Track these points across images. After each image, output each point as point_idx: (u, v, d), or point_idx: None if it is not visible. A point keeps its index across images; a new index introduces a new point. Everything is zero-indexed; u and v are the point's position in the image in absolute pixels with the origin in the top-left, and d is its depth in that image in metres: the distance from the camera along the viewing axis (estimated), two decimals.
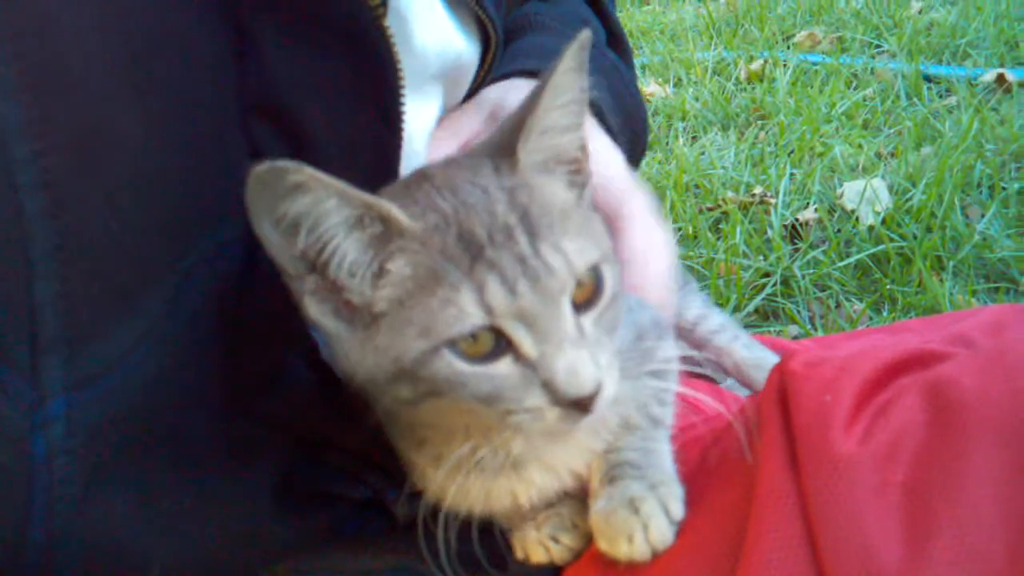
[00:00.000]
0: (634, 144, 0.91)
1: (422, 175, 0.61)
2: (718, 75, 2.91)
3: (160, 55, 0.54)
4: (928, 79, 2.55)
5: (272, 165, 0.51)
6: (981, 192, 1.96)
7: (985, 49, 2.63)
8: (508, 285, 0.54)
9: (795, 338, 1.68)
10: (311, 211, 0.54)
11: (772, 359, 1.00)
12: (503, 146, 0.60)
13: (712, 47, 3.16)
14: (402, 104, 0.64)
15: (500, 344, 0.55)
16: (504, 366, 0.55)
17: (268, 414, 0.65)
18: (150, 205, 0.53)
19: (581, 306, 0.58)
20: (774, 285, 1.80)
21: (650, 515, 0.65)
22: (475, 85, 0.84)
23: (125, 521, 0.56)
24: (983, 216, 1.85)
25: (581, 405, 0.56)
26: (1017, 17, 2.72)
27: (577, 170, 0.63)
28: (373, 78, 0.62)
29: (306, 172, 0.52)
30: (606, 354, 0.58)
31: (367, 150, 0.65)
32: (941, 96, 2.47)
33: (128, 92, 0.51)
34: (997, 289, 1.68)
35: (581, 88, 0.61)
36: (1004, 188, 1.92)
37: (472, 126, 0.80)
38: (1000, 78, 2.41)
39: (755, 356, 1.01)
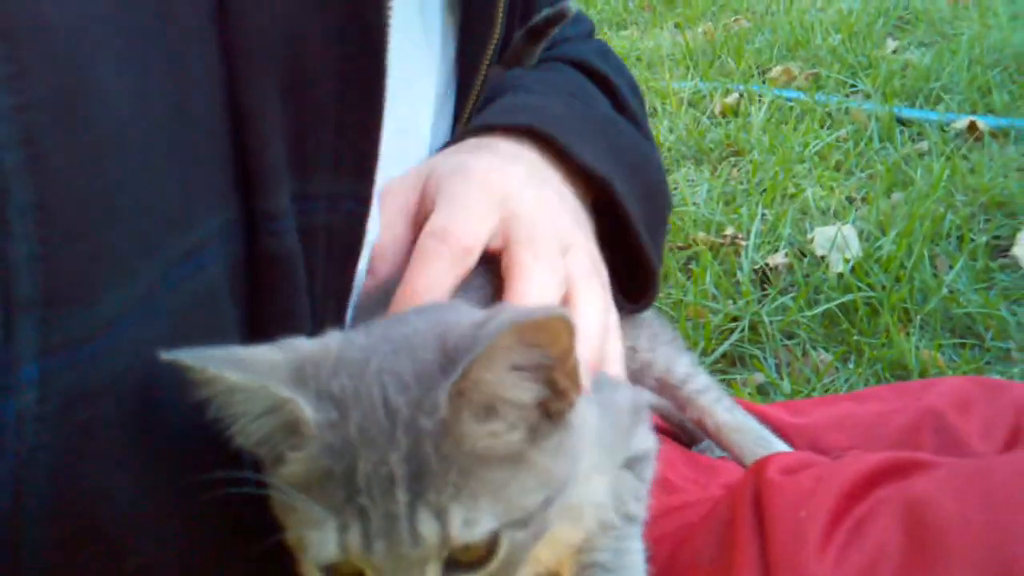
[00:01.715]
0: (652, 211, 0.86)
1: (367, 354, 0.56)
2: (693, 107, 2.91)
3: (144, 12, 0.52)
4: (901, 122, 2.57)
5: (175, 360, 0.51)
6: (950, 243, 1.97)
7: (958, 94, 2.65)
8: (367, 539, 0.52)
9: (760, 386, 1.68)
10: (219, 397, 0.54)
11: (751, 424, 1.00)
12: (454, 361, 0.54)
13: (688, 77, 3.16)
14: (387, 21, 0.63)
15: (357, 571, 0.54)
16: None
17: None
18: (141, 171, 0.52)
19: (462, 566, 0.54)
20: (742, 331, 1.79)
21: None
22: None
23: (111, 500, 0.54)
24: (951, 268, 1.86)
25: None
26: (990, 63, 2.74)
27: (540, 410, 0.57)
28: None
29: (209, 372, 0.52)
30: None
31: (355, 85, 0.63)
32: (913, 140, 2.48)
33: (112, 52, 0.50)
34: (963, 345, 1.69)
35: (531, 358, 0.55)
36: (973, 239, 1.93)
37: (412, 198, 0.75)
38: (972, 126, 2.42)
39: (736, 420, 1.02)
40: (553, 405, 0.56)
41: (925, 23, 3.29)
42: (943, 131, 2.46)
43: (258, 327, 0.61)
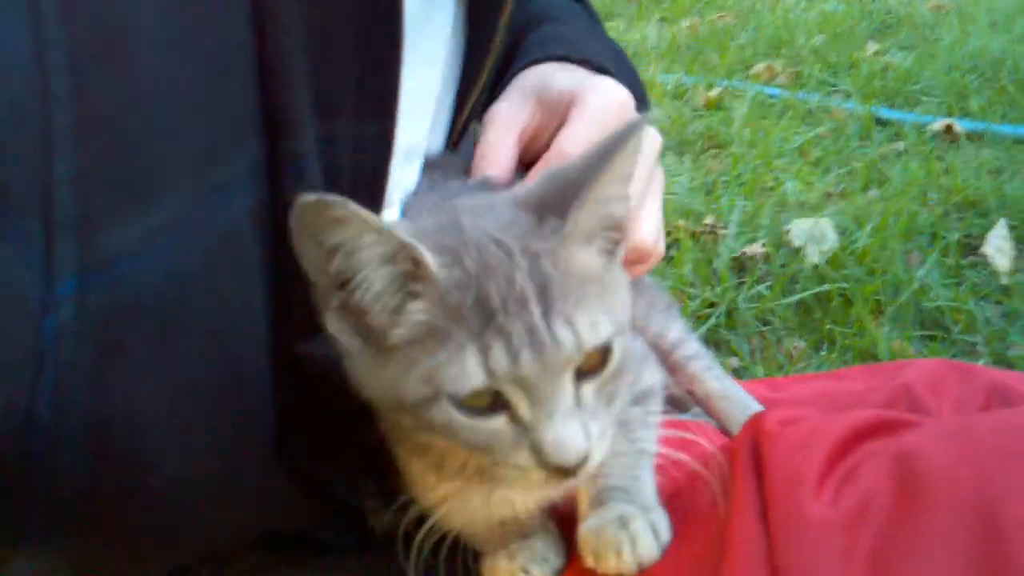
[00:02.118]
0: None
1: (455, 217, 0.62)
2: (677, 99, 2.95)
3: None
4: (880, 122, 2.61)
5: (319, 199, 0.54)
6: (923, 239, 2.01)
7: (936, 97, 2.70)
8: (512, 353, 0.56)
9: (735, 370, 1.72)
10: (347, 242, 0.57)
11: (740, 393, 1.03)
12: (550, 205, 0.61)
13: (673, 70, 3.19)
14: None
15: (498, 402, 0.58)
16: (498, 423, 0.58)
17: (304, 360, 0.66)
18: (172, 107, 0.54)
19: (584, 375, 0.60)
20: (718, 317, 1.83)
21: (639, 531, 0.69)
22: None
23: (140, 416, 0.57)
24: (923, 263, 1.91)
25: (564, 471, 0.58)
26: (968, 68, 2.79)
27: (616, 236, 0.65)
28: None
29: (349, 208, 0.55)
30: (600, 424, 0.60)
31: (373, 26, 0.65)
32: (891, 140, 2.53)
33: None
34: (932, 337, 1.74)
35: (633, 164, 0.64)
36: (945, 237, 1.97)
37: (522, 116, 0.79)
38: (948, 128, 2.47)
39: (724, 388, 1.04)
40: (613, 244, 0.65)
41: (907, 27, 3.35)
42: (920, 132, 2.51)
43: (282, 268, 0.63)
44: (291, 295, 0.64)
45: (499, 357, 0.56)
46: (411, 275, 0.58)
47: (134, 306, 0.54)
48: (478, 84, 0.82)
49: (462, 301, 0.57)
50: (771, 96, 2.86)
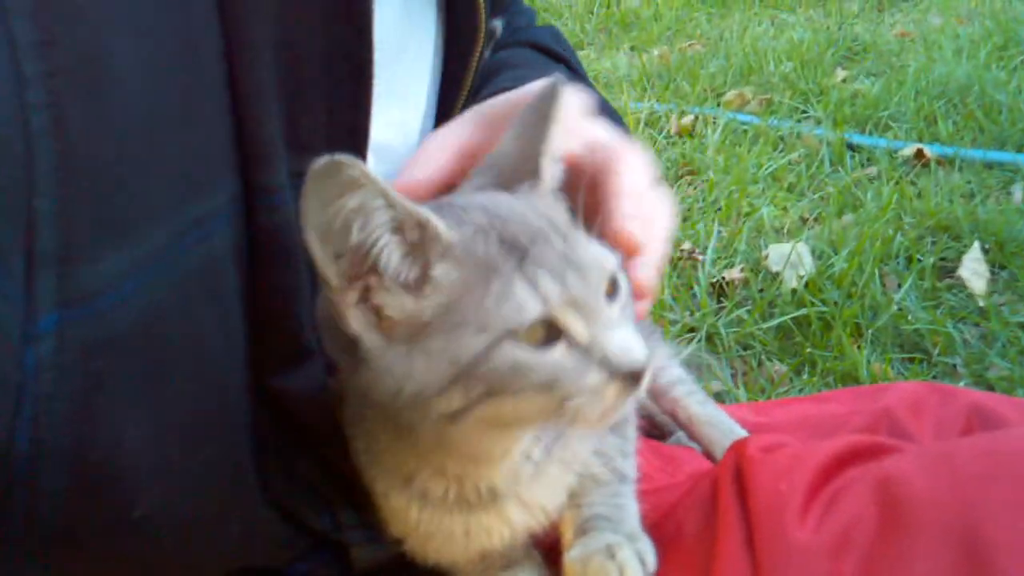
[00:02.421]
0: None
1: (445, 202, 0.64)
2: (650, 127, 2.96)
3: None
4: (851, 148, 2.64)
5: (333, 159, 0.54)
6: (899, 263, 2.03)
7: (906, 123, 2.73)
8: (558, 277, 0.58)
9: (717, 394, 1.72)
10: (362, 207, 0.57)
11: (723, 418, 1.03)
12: (514, 176, 0.65)
13: (645, 98, 3.22)
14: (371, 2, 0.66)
15: (551, 334, 0.58)
16: (559, 352, 0.58)
17: (279, 395, 0.66)
18: (150, 142, 0.55)
19: (607, 298, 0.61)
20: (699, 341, 1.84)
21: (626, 560, 0.68)
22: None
23: (121, 448, 0.57)
24: (900, 287, 1.93)
25: (634, 377, 0.58)
26: (936, 95, 2.83)
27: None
28: None
29: (361, 167, 0.55)
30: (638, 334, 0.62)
31: (343, 61, 0.66)
32: (863, 165, 2.56)
33: (127, 27, 0.53)
34: (912, 359, 1.75)
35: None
36: (920, 260, 1.99)
37: (461, 134, 0.79)
38: (919, 153, 2.51)
39: (707, 413, 1.04)
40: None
41: (873, 54, 3.39)
42: (892, 157, 2.54)
43: (258, 299, 0.63)
44: (267, 327, 0.64)
45: (547, 283, 0.57)
46: (421, 244, 0.59)
47: (114, 340, 0.54)
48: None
49: (488, 248, 0.59)
50: (743, 123, 2.88)
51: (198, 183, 0.58)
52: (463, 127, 0.78)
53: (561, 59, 1.03)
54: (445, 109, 0.87)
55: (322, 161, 0.54)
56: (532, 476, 0.69)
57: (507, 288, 0.57)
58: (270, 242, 0.62)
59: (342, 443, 0.69)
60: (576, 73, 1.03)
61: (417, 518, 0.68)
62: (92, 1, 0.52)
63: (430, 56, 0.86)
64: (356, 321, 0.59)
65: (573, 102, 0.73)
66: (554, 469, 0.70)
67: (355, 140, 0.68)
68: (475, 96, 0.87)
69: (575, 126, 0.72)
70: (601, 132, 0.77)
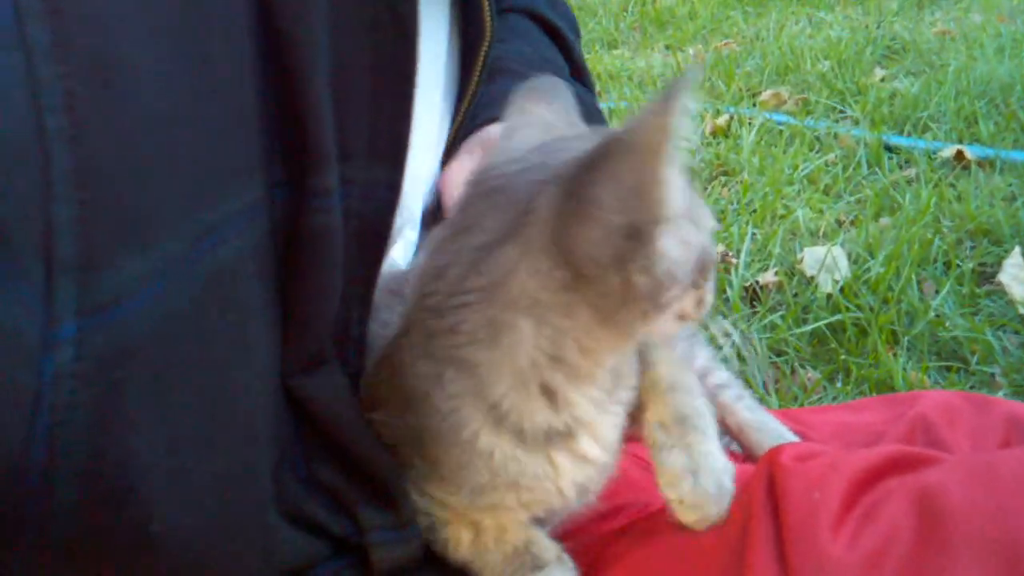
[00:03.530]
0: None
1: None
2: None
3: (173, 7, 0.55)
4: (889, 149, 2.60)
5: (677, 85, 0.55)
6: (936, 268, 1.99)
7: (945, 124, 2.68)
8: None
9: None
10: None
11: (774, 424, 1.01)
12: None
13: None
14: (417, 10, 0.65)
15: None
16: None
17: (301, 396, 0.66)
18: (167, 146, 0.54)
19: None
20: (732, 347, 1.81)
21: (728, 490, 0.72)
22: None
23: (139, 461, 0.56)
24: (937, 292, 1.89)
25: None
26: (977, 94, 2.78)
27: None
28: None
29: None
30: None
31: (388, 70, 0.65)
32: (901, 167, 2.52)
33: (141, 27, 0.52)
34: (949, 368, 1.71)
35: None
36: (959, 265, 1.95)
37: (472, 166, 0.80)
38: (959, 154, 2.46)
39: (757, 419, 1.01)
40: None
41: (912, 53, 3.34)
42: (931, 159, 2.49)
43: (289, 303, 0.63)
44: (297, 329, 0.64)
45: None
46: None
47: (131, 348, 0.54)
48: (453, 127, 0.86)
49: None
50: (779, 123, 2.85)
51: (215, 187, 0.58)
52: (471, 161, 0.80)
53: (557, 32, 1.07)
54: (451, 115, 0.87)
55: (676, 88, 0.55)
56: (601, 407, 0.68)
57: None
58: (315, 244, 0.62)
59: (369, 441, 0.69)
60: (570, 51, 1.06)
61: (504, 460, 0.65)
62: (107, 2, 0.51)
63: (443, 60, 0.86)
64: (670, 323, 0.61)
65: None
66: (614, 405, 0.70)
67: (396, 150, 0.67)
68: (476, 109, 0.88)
69: None
70: None
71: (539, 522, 0.75)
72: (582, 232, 0.56)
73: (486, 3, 0.84)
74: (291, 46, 0.59)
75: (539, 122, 0.69)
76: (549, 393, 0.63)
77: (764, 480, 0.70)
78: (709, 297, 0.63)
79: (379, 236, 0.67)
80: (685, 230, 0.59)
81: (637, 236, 0.56)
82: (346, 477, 0.71)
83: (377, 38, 0.64)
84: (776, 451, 0.71)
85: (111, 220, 0.51)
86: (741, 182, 2.48)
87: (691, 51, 3.74)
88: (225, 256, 0.58)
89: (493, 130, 0.83)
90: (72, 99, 0.49)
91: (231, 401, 0.62)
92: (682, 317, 0.61)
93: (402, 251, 0.85)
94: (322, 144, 0.61)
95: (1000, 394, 1.64)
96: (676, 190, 0.56)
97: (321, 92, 0.60)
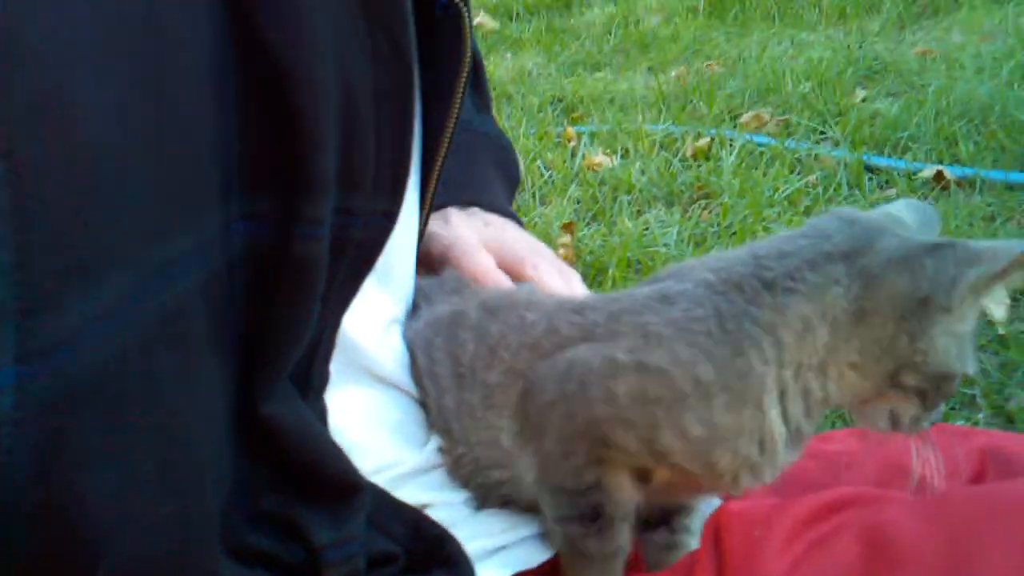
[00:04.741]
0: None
1: None
2: (665, 149, 2.93)
3: (124, 28, 0.53)
4: (869, 169, 2.60)
5: None
6: None
7: (925, 144, 2.68)
8: None
9: None
10: None
11: None
12: None
13: (661, 120, 3.19)
14: (412, 42, 0.65)
15: None
16: None
17: (269, 423, 0.64)
18: (115, 184, 0.52)
19: None
20: None
21: None
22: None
23: (90, 505, 0.54)
24: None
25: None
26: (957, 115, 2.78)
27: None
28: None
29: None
30: None
31: (390, 100, 0.65)
32: (881, 187, 2.51)
33: (88, 64, 0.51)
34: None
35: None
36: None
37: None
38: (939, 175, 2.46)
39: None
40: None
41: (893, 73, 3.35)
42: (911, 179, 2.49)
43: (257, 331, 0.62)
44: (268, 358, 0.63)
45: None
46: None
47: (76, 391, 0.52)
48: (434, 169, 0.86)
49: None
50: (760, 145, 2.84)
51: (167, 224, 0.56)
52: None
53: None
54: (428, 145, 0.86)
55: None
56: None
57: None
58: (298, 273, 0.61)
59: (334, 455, 0.68)
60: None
61: (772, 431, 0.68)
62: (51, 42, 0.49)
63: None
64: None
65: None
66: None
67: (396, 183, 0.67)
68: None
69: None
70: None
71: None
72: (896, 279, 0.65)
73: (467, 36, 0.83)
74: (291, 81, 0.58)
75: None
76: (805, 393, 0.68)
77: (711, 525, 0.69)
78: (925, 424, 0.69)
79: (368, 266, 0.68)
80: (960, 347, 0.68)
81: (926, 309, 0.65)
82: (301, 502, 0.70)
83: (378, 67, 0.64)
84: (726, 502, 0.71)
85: (53, 263, 0.50)
86: (721, 204, 2.47)
87: (673, 73, 3.75)
88: (179, 293, 0.57)
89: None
90: (11, 142, 0.47)
91: (182, 440, 0.60)
92: (892, 420, 0.69)
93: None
94: (319, 173, 0.60)
95: (980, 416, 1.64)
96: (1001, 307, 0.70)
97: (325, 124, 0.60)
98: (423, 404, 0.81)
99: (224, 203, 0.59)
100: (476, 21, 4.84)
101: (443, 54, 0.84)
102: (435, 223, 0.97)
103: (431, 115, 0.85)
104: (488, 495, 0.78)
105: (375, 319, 0.81)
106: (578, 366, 0.68)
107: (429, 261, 0.95)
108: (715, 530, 0.69)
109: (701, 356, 0.66)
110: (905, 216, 0.74)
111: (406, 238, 0.84)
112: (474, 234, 0.97)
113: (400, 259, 0.85)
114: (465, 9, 0.81)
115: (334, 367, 0.71)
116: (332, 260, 0.62)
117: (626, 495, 0.71)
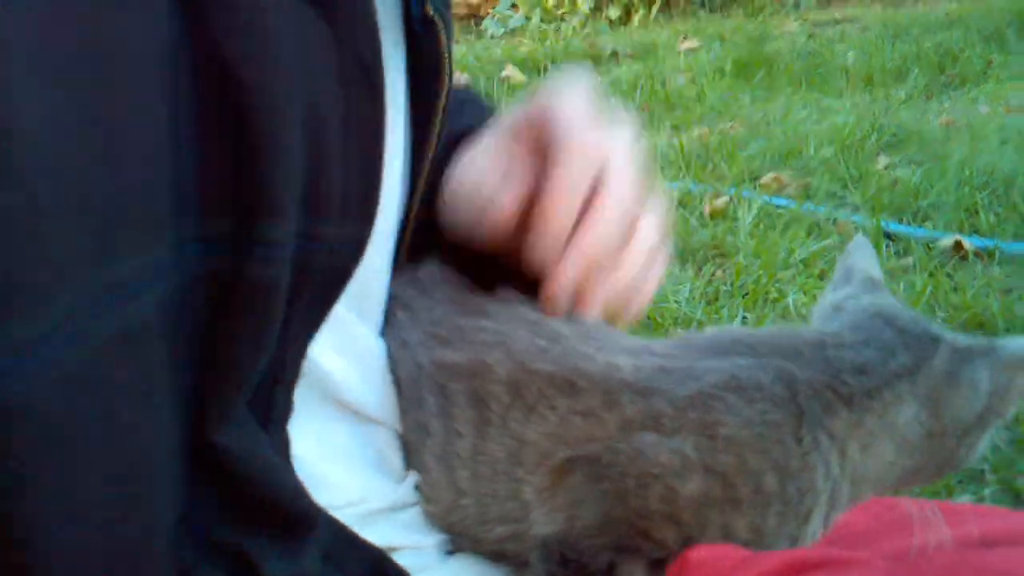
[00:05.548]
0: None
1: None
2: (683, 207, 2.92)
3: (68, 46, 0.51)
4: (888, 236, 2.58)
5: None
6: None
7: (945, 213, 2.66)
8: None
9: None
10: None
11: None
12: None
13: (681, 178, 3.18)
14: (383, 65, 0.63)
15: None
16: None
17: (224, 452, 0.63)
18: (63, 201, 0.51)
19: None
20: None
21: None
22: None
23: (37, 531, 0.53)
24: None
25: None
26: (979, 185, 2.77)
27: None
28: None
29: None
30: None
31: (359, 125, 0.63)
32: (899, 255, 2.49)
33: (30, 83, 0.49)
34: None
35: None
36: None
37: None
38: (958, 245, 2.43)
39: None
40: None
41: (916, 142, 3.34)
42: (929, 248, 2.47)
43: (212, 355, 0.60)
44: (221, 380, 0.61)
45: None
46: None
47: (19, 413, 0.50)
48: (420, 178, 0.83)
49: None
50: (778, 207, 2.83)
51: (117, 243, 0.54)
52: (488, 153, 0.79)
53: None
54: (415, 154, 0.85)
55: None
56: None
57: None
58: (255, 296, 0.59)
59: (292, 488, 0.67)
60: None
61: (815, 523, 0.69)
62: None
63: (404, 113, 0.84)
64: None
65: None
66: None
67: (367, 207, 0.66)
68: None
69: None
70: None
71: None
72: (958, 400, 0.67)
73: (446, 53, 0.83)
74: (251, 100, 0.57)
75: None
76: (852, 500, 0.70)
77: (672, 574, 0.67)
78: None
79: (336, 292, 0.66)
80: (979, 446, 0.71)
81: (984, 422, 0.68)
82: (252, 534, 0.68)
83: (347, 91, 0.63)
84: (691, 548, 0.68)
85: None
86: (736, 264, 2.45)
87: (696, 132, 3.75)
88: (133, 314, 0.55)
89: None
90: None
91: (134, 465, 0.58)
92: None
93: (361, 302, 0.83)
94: (280, 195, 0.59)
95: (986, 491, 1.60)
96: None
97: (288, 145, 0.58)
98: (403, 438, 0.78)
99: (178, 225, 0.58)
100: (504, 74, 4.90)
101: (422, 71, 0.83)
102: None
103: (413, 133, 0.84)
104: (473, 547, 0.75)
105: (349, 348, 0.78)
106: (644, 459, 0.65)
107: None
108: None
109: (769, 467, 0.64)
110: (869, 268, 0.79)
111: (381, 260, 0.82)
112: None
113: (377, 284, 0.83)
114: (443, 24, 0.80)
115: (304, 397, 0.69)
116: (295, 285, 0.61)
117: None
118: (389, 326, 0.83)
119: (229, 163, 0.57)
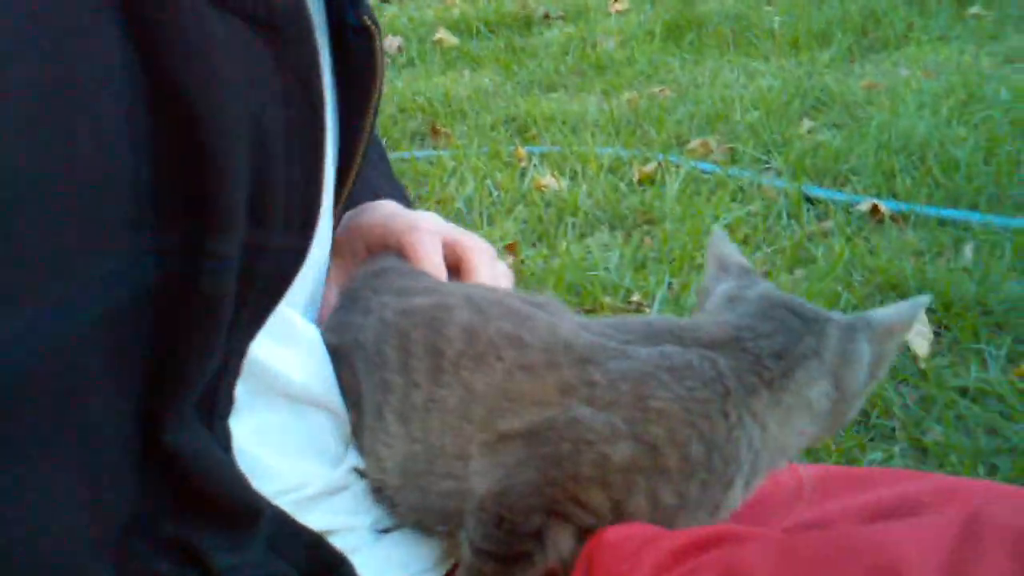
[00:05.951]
0: None
1: None
2: (613, 173, 2.97)
3: (27, 66, 0.53)
4: (809, 200, 2.65)
5: None
6: None
7: (865, 177, 2.74)
8: None
9: None
10: None
11: None
12: None
13: (611, 143, 3.23)
14: (324, 85, 0.67)
15: None
16: None
17: (174, 452, 0.65)
18: (20, 210, 0.53)
19: None
20: None
21: None
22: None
23: (13, 537, 0.55)
24: None
25: None
26: (897, 149, 2.85)
27: None
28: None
29: None
30: None
31: (300, 139, 0.66)
32: (819, 219, 2.57)
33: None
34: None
35: None
36: None
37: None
38: (875, 208, 2.51)
39: None
40: None
41: (840, 105, 3.42)
42: (848, 212, 2.55)
43: (162, 362, 0.62)
44: (171, 388, 0.63)
45: None
46: None
47: None
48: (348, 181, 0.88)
49: None
50: (705, 172, 2.89)
51: (67, 257, 0.56)
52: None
53: None
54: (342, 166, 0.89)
55: None
56: None
57: None
58: (204, 306, 0.62)
59: (240, 486, 0.69)
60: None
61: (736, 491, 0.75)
62: None
63: (334, 128, 0.87)
64: None
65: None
66: None
67: (308, 219, 0.69)
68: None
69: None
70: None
71: None
72: (852, 371, 0.74)
73: (379, 54, 0.85)
74: (202, 119, 0.59)
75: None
76: (769, 466, 0.77)
77: (585, 556, 0.71)
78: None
79: (276, 298, 0.69)
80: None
81: (867, 386, 0.77)
82: (201, 528, 0.70)
83: (288, 107, 0.65)
84: (603, 529, 0.73)
85: None
86: (663, 231, 2.51)
87: (626, 97, 3.79)
88: (79, 323, 0.57)
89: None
90: None
91: (88, 465, 0.61)
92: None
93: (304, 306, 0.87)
94: (228, 210, 0.61)
95: (896, 448, 1.68)
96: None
97: (235, 161, 0.61)
98: (361, 406, 0.82)
99: (132, 238, 0.60)
100: (437, 36, 4.87)
101: (356, 77, 0.86)
102: (382, 209, 0.99)
103: (344, 135, 0.87)
104: (418, 508, 0.80)
105: (285, 338, 0.81)
106: (580, 426, 0.71)
107: (361, 244, 0.98)
108: (587, 563, 0.71)
109: (696, 439, 0.70)
110: (739, 257, 0.86)
111: (319, 251, 0.85)
112: (432, 221, 0.98)
113: (313, 275, 0.87)
114: (376, 31, 0.83)
115: (244, 391, 0.72)
116: (240, 293, 0.64)
117: (560, 552, 0.74)
118: (353, 306, 0.87)
119: (182, 181, 0.60)
